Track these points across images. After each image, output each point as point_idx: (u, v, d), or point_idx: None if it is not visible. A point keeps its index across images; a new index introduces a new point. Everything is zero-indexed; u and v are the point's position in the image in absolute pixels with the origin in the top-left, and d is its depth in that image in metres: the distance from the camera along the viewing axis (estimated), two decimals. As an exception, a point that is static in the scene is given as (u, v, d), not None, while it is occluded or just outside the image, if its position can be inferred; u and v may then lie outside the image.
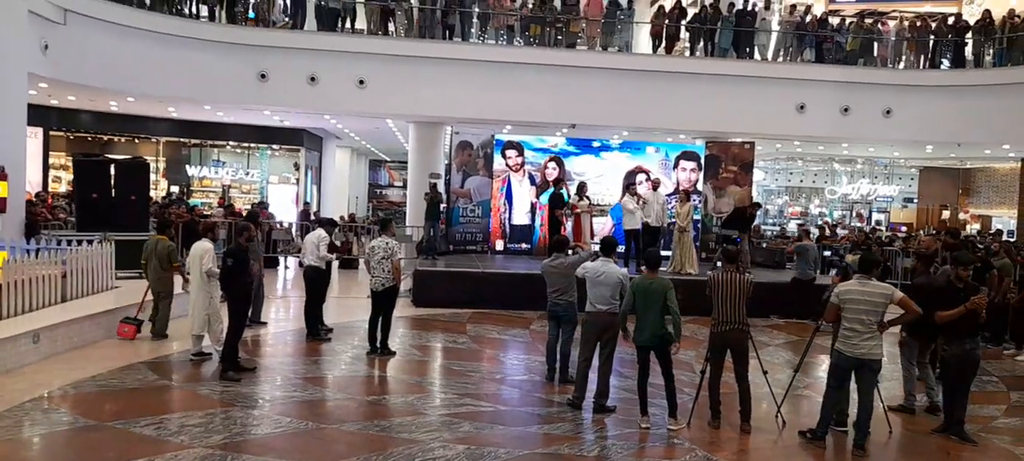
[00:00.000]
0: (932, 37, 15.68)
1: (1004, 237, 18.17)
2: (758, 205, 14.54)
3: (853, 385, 6.13)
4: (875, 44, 15.83)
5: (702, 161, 15.60)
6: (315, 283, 9.28)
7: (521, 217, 15.32)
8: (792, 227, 22.27)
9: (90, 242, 9.96)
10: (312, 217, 17.78)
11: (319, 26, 14.47)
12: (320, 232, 9.36)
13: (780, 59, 15.78)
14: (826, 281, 10.12)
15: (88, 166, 12.10)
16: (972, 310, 6.15)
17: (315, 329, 9.25)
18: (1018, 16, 15.14)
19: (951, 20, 15.91)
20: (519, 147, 15.28)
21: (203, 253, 7.83)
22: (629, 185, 13.83)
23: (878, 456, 6.09)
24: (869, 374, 5.94)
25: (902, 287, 7.57)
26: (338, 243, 9.52)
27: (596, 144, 15.73)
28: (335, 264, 16.53)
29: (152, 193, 16.70)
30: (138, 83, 13.63)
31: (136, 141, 20.54)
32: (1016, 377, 8.96)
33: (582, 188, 13.04)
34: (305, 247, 9.59)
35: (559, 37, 15.29)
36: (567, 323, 7.59)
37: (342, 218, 18.61)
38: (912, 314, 5.96)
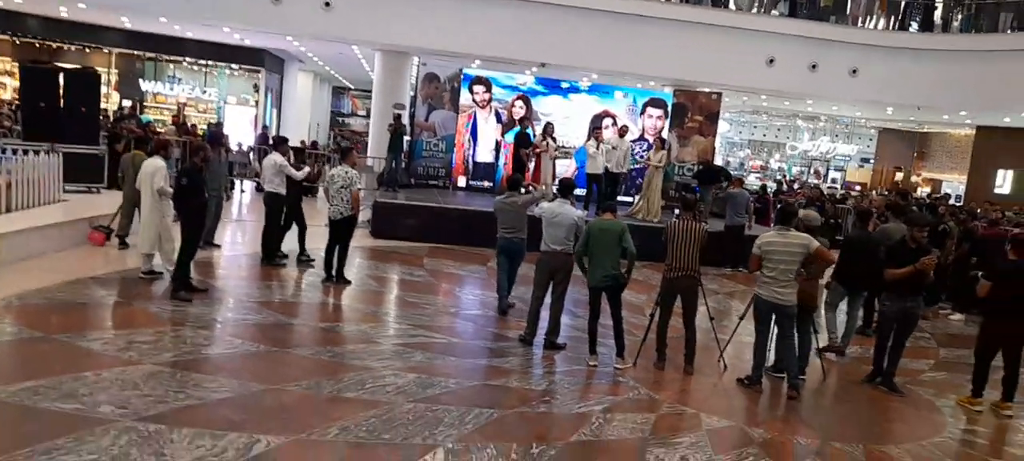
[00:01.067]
0: (902, -1, 15.82)
1: (951, 201, 18.81)
2: (729, 175, 14.58)
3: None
4: (847, 1, 15.90)
5: (669, 109, 15.65)
6: (273, 210, 9.12)
7: (485, 154, 15.24)
8: (752, 180, 22.68)
9: (36, 152, 9.61)
10: (270, 141, 17.39)
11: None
12: (275, 156, 9.09)
13: (754, 11, 15.76)
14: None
15: (36, 74, 11.59)
16: (920, 270, 6.40)
17: (272, 255, 9.12)
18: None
19: (923, -17, 16.05)
20: (487, 83, 15.08)
21: (155, 171, 7.61)
22: (594, 129, 13.83)
23: (810, 402, 6.39)
24: (786, 320, 6.23)
25: (844, 242, 7.84)
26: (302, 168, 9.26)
27: (565, 85, 15.62)
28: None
29: (103, 106, 16.13)
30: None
31: (87, 51, 19.68)
32: (948, 335, 9.42)
33: (548, 129, 13.00)
34: (264, 172, 9.34)
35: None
36: (517, 258, 7.86)
37: (302, 143, 18.24)
38: (826, 263, 6.32)
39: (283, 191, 9.10)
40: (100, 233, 9.03)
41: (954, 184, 23.48)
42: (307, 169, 9.39)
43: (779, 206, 7.96)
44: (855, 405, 6.40)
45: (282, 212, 9.20)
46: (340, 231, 8.44)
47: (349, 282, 8.58)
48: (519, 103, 15.08)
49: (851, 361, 7.65)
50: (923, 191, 23.82)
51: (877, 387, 6.75)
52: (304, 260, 9.26)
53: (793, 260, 6.09)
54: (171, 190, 7.60)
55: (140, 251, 7.85)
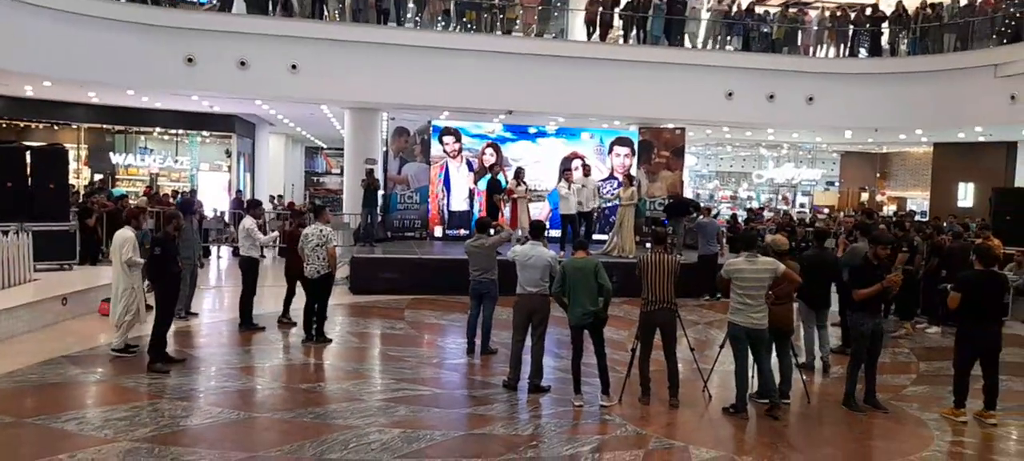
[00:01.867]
0: (851, 26, 16.41)
1: (917, 217, 19.27)
2: (699, 207, 14.82)
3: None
4: (799, 33, 16.47)
5: (635, 146, 15.93)
6: (249, 273, 9.06)
7: (459, 203, 15.35)
8: (723, 210, 23.04)
9: (5, 233, 9.49)
10: (244, 205, 17.33)
11: (249, 9, 14.08)
12: (247, 221, 9.10)
13: (709, 47, 16.23)
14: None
15: (1, 153, 11.48)
16: (886, 287, 6.53)
17: (249, 320, 9.03)
18: (930, 6, 15.99)
19: (869, 10, 16.67)
20: (456, 133, 15.28)
21: (123, 242, 7.52)
22: (565, 171, 14.03)
23: (796, 425, 6.44)
24: (760, 343, 6.34)
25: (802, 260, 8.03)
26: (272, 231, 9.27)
27: (532, 130, 15.88)
28: (273, 250, 16.33)
29: (74, 181, 15.99)
30: (54, 66, 12.88)
31: (55, 128, 19.52)
32: (925, 348, 9.56)
33: (519, 174, 13.15)
34: (239, 236, 9.31)
35: (496, 23, 15.33)
36: (489, 299, 8.00)
37: (272, 199, 18.18)
38: (794, 284, 6.49)
39: (257, 255, 9.06)
40: (108, 303, 8.80)
41: (918, 201, 24.05)
42: (275, 234, 9.37)
43: (741, 233, 8.19)
44: (840, 426, 6.45)
45: (257, 276, 9.12)
46: (317, 289, 8.41)
47: (329, 340, 8.52)
48: (489, 151, 15.27)
49: (834, 381, 7.73)
50: (889, 209, 24.36)
51: (858, 409, 6.72)
52: (285, 322, 9.18)
53: (762, 284, 6.23)
54: (141, 261, 7.52)
55: (111, 323, 7.70)
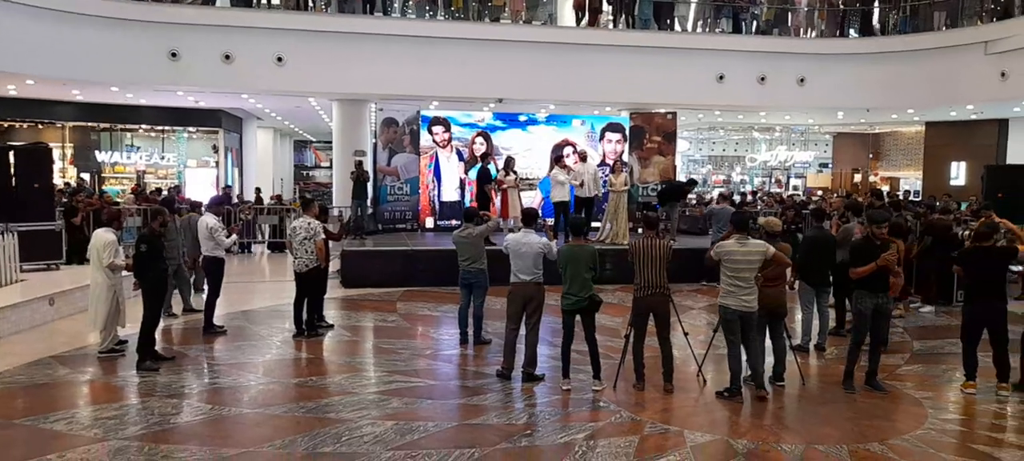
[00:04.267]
0: (842, 6, 16.34)
1: (911, 197, 19.29)
2: (694, 182, 14.85)
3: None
4: (789, 14, 16.40)
5: (627, 132, 15.86)
6: (214, 274, 8.59)
7: (450, 193, 15.25)
8: (716, 194, 23.00)
9: (-11, 234, 9.37)
10: (234, 200, 17.19)
11: (233, 1, 13.90)
12: (208, 218, 8.59)
13: (699, 30, 16.15)
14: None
15: (-16, 154, 11.33)
16: (883, 266, 6.51)
17: (211, 324, 8.54)
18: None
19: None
20: (446, 123, 15.16)
21: (103, 246, 7.23)
22: (557, 158, 13.94)
23: (791, 406, 6.41)
24: (750, 326, 6.37)
25: (802, 240, 8.01)
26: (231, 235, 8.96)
27: (523, 118, 15.78)
28: (264, 248, 16.22)
29: (58, 181, 15.82)
30: (37, 65, 12.73)
31: (40, 126, 19.29)
32: (919, 328, 9.55)
33: (509, 163, 13.06)
34: (201, 235, 8.66)
35: (483, 11, 15.20)
36: (478, 289, 7.94)
37: (256, 192, 17.97)
38: (784, 265, 6.48)
39: (221, 254, 8.62)
40: None
41: (911, 181, 24.10)
42: (235, 237, 9.07)
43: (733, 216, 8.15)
44: (836, 406, 6.43)
45: (222, 276, 8.70)
46: (307, 284, 8.32)
47: (331, 326, 8.49)
48: (479, 140, 15.17)
49: (829, 362, 7.71)
50: (883, 189, 24.38)
51: (852, 390, 6.72)
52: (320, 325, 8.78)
53: (752, 267, 6.24)
54: (122, 264, 7.36)
55: (94, 329, 7.54)
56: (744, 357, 6.49)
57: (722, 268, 6.32)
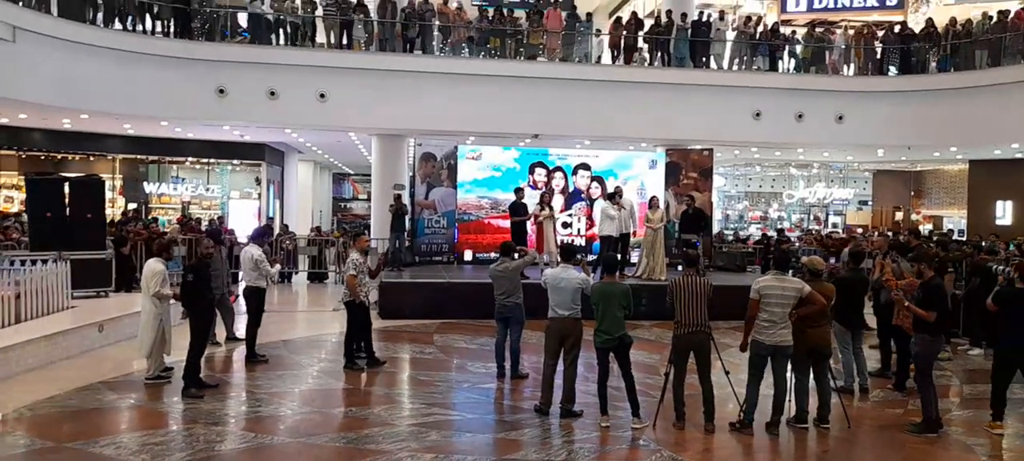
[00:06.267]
0: (879, 44, 16.23)
1: (954, 236, 18.82)
2: (692, 198, 14.54)
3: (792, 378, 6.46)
4: (826, 53, 16.33)
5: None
6: (254, 303, 8.80)
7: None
8: (753, 231, 22.76)
9: (44, 262, 9.70)
10: (275, 232, 17.53)
11: (278, 40, 14.38)
12: (252, 249, 8.84)
13: (735, 68, 16.16)
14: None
15: (40, 184, 11.79)
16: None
17: (254, 353, 8.68)
18: (960, 24, 15.76)
19: (897, 28, 16.49)
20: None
21: (152, 275, 7.43)
22: (611, 195, 13.79)
23: (837, 450, 6.27)
24: (781, 359, 6.39)
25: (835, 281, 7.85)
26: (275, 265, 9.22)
27: (553, 154, 15.67)
28: (302, 277, 16.44)
29: (109, 211, 16.35)
30: (91, 100, 13.33)
31: (91, 159, 20.05)
32: (968, 371, 9.27)
33: (544, 197, 13.08)
34: (242, 265, 8.96)
35: (520, 48, 15.45)
36: (515, 323, 7.92)
37: (313, 230, 18.19)
38: (818, 306, 6.39)
39: (264, 284, 8.84)
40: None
41: (955, 218, 23.53)
42: (279, 266, 9.26)
43: (776, 254, 8.15)
44: (884, 451, 6.28)
45: (263, 306, 8.91)
46: (349, 316, 8.41)
47: (382, 363, 8.52)
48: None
49: (875, 404, 7.53)
50: (925, 228, 23.86)
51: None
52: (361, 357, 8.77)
53: (788, 303, 6.28)
54: (169, 293, 7.50)
55: (140, 355, 7.74)
56: (790, 399, 6.41)
57: (760, 305, 6.33)
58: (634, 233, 13.02)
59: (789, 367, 6.50)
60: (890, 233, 18.73)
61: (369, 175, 19.12)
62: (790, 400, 6.62)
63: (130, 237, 12.68)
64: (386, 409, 7.03)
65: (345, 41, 14.78)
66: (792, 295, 6.27)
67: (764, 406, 6.57)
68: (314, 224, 22.16)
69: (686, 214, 13.59)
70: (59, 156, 19.47)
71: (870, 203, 26.94)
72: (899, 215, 25.59)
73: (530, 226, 13.07)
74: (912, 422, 6.74)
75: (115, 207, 19.73)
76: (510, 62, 15.16)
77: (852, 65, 16.46)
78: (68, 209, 11.38)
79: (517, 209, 12.94)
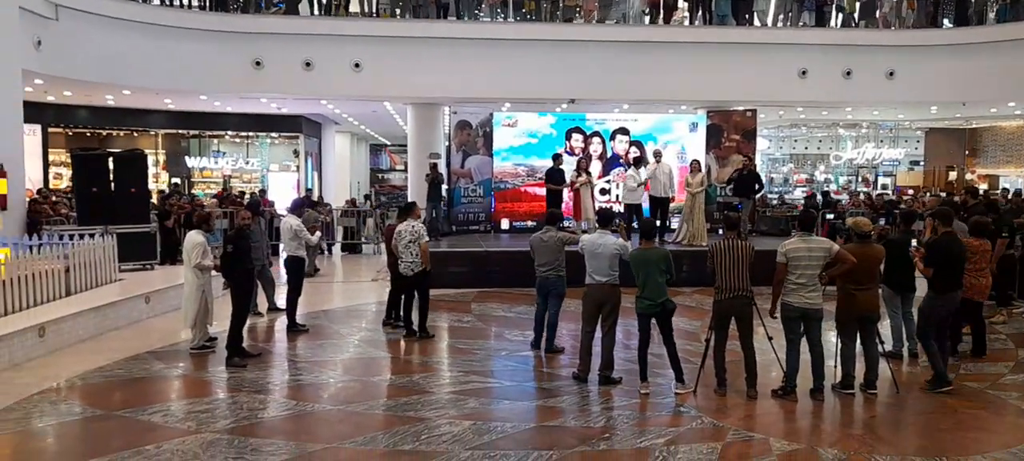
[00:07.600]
0: (933, -5, 15.46)
1: (1011, 195, 18.01)
2: (750, 158, 14.16)
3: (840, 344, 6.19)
4: (876, 5, 15.63)
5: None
6: (296, 273, 9.02)
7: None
8: (798, 194, 22.17)
9: (92, 236, 9.97)
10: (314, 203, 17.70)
11: (312, 10, 14.36)
12: (291, 220, 9.09)
13: (780, 25, 15.61)
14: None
15: (86, 160, 12.08)
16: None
17: (295, 323, 8.83)
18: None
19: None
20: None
21: (193, 247, 7.61)
22: (635, 160, 13.64)
23: (884, 415, 6.09)
24: (814, 323, 6.25)
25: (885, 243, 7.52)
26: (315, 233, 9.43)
27: (590, 119, 15.41)
28: (337, 248, 16.61)
29: (152, 185, 16.70)
30: (133, 76, 13.56)
31: (135, 134, 20.48)
32: (1022, 334, 8.91)
33: (581, 163, 12.89)
34: (281, 236, 9.22)
35: (556, 11, 15.15)
36: (555, 297, 7.67)
37: (348, 202, 18.33)
38: (848, 265, 6.17)
39: (303, 254, 9.07)
40: None
41: (1012, 177, 22.55)
42: (319, 234, 9.39)
43: (799, 214, 7.88)
44: (932, 416, 6.06)
45: (304, 275, 9.13)
46: (412, 285, 8.42)
47: (431, 335, 8.51)
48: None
49: (925, 369, 7.27)
50: (980, 188, 22.89)
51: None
52: (390, 323, 8.99)
53: (817, 264, 6.14)
54: (210, 265, 7.66)
55: (185, 325, 7.92)
56: (836, 364, 6.24)
57: (788, 267, 6.20)
58: (672, 198, 12.76)
59: (831, 332, 6.34)
60: (942, 193, 18.04)
61: (405, 145, 19.11)
62: (837, 366, 6.45)
63: (173, 210, 12.94)
64: (424, 377, 7.06)
65: (380, 9, 14.68)
66: (820, 256, 6.14)
67: (807, 372, 6.41)
68: (351, 195, 22.37)
69: (741, 174, 13.23)
70: (104, 133, 19.94)
71: (922, 163, 25.95)
72: (952, 175, 24.61)
73: (567, 194, 12.94)
74: (926, 381, 6.68)
75: (159, 182, 20.16)
76: (546, 25, 14.88)
77: (903, 19, 15.71)
78: (113, 184, 11.64)
79: (553, 176, 12.76)
